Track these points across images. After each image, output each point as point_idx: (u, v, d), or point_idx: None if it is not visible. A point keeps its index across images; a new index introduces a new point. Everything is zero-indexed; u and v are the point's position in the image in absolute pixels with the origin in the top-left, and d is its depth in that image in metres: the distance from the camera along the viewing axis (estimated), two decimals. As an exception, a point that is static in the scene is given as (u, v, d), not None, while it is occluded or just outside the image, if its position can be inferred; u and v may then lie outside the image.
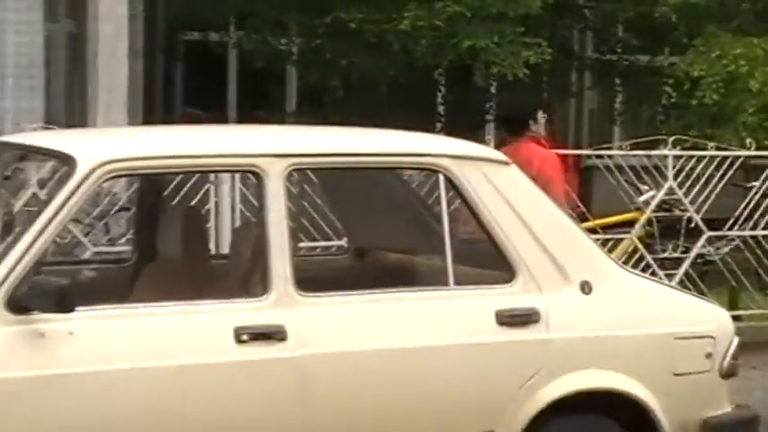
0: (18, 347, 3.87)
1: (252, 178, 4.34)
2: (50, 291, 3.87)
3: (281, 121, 9.98)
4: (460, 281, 4.43)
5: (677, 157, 8.57)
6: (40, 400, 3.86)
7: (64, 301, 3.87)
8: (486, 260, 4.56)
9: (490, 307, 4.42)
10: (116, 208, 7.83)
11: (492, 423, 4.40)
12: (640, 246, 8.52)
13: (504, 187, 4.52)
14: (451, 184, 4.48)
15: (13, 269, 3.89)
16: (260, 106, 11.78)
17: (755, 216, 8.77)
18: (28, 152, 4.78)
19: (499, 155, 4.75)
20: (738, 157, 8.80)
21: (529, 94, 10.01)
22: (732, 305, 8.35)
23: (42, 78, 9.44)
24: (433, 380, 4.33)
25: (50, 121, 9.06)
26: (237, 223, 7.32)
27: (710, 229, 8.69)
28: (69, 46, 9.77)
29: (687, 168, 8.57)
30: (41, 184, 5.91)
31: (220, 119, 11.47)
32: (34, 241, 3.94)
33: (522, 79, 9.71)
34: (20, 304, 3.88)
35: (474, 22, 9.71)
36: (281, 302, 4.16)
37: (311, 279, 4.33)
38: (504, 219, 4.48)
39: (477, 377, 4.37)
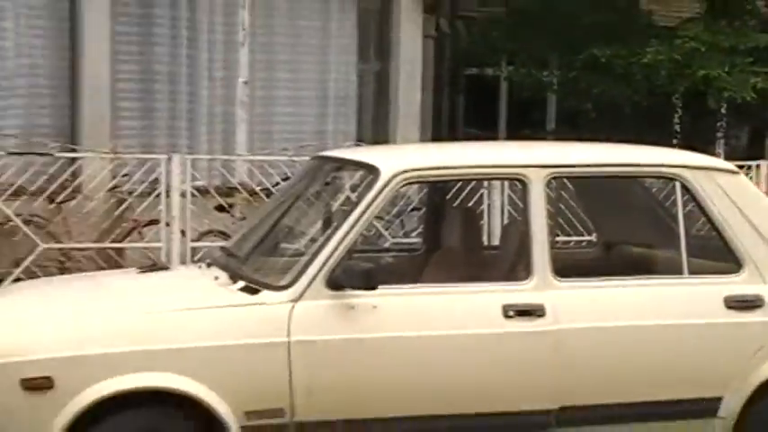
0: (334, 317, 4.00)
1: (518, 184, 4.33)
2: (359, 272, 3.98)
3: (543, 139, 9.90)
4: (693, 271, 4.29)
5: None
6: (350, 359, 3.98)
7: (369, 281, 3.98)
8: (716, 254, 4.38)
9: (719, 293, 4.26)
10: (410, 208, 7.98)
11: (721, 390, 4.23)
12: None
13: (732, 192, 4.34)
14: (686, 190, 4.34)
15: (331, 255, 4.03)
16: (525, 126, 11.71)
17: None
18: (343, 164, 4.93)
19: (728, 165, 4.56)
20: None
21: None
22: None
23: (355, 107, 9.75)
24: (668, 352, 4.19)
25: (360, 140, 9.36)
26: (506, 221, 7.31)
27: None
28: (376, 81, 10.03)
29: None
30: (353, 188, 6.10)
31: (492, 137, 11.51)
32: (347, 234, 4.07)
33: (750, 102, 9.29)
34: (336, 283, 4.00)
35: (708, 55, 9.37)
36: (541, 285, 4.14)
37: (566, 267, 4.28)
38: (732, 219, 4.31)
39: (707, 352, 4.21)
